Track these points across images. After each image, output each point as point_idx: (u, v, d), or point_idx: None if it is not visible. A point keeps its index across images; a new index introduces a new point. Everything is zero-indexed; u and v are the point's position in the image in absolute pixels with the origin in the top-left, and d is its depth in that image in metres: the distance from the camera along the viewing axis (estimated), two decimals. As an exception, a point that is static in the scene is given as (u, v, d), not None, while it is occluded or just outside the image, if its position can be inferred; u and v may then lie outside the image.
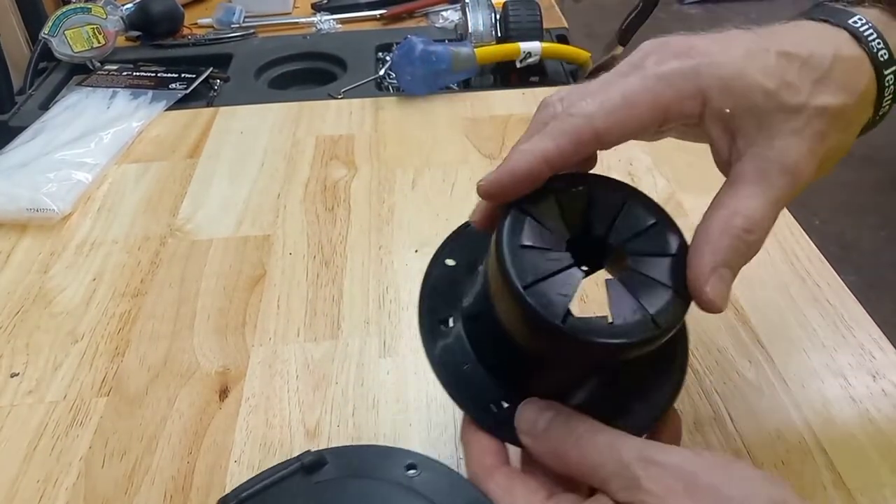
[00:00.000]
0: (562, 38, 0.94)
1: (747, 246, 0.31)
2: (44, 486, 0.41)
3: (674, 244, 0.31)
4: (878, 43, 0.33)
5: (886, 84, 0.33)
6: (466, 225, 0.37)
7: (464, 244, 0.37)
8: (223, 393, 0.46)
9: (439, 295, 0.36)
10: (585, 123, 0.31)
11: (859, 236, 1.85)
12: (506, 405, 0.33)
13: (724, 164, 0.33)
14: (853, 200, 1.96)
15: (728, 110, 0.32)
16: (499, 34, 0.82)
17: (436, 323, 0.35)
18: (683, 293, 0.30)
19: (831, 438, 0.41)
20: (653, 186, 0.62)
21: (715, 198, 0.32)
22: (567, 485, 0.31)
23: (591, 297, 0.32)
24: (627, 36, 0.83)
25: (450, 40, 0.84)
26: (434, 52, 0.75)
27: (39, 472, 0.42)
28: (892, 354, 0.46)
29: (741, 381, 0.45)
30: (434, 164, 0.67)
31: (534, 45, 0.79)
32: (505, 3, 0.83)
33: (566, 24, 0.98)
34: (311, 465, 0.32)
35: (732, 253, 0.31)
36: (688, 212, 0.59)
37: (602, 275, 0.33)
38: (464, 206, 0.62)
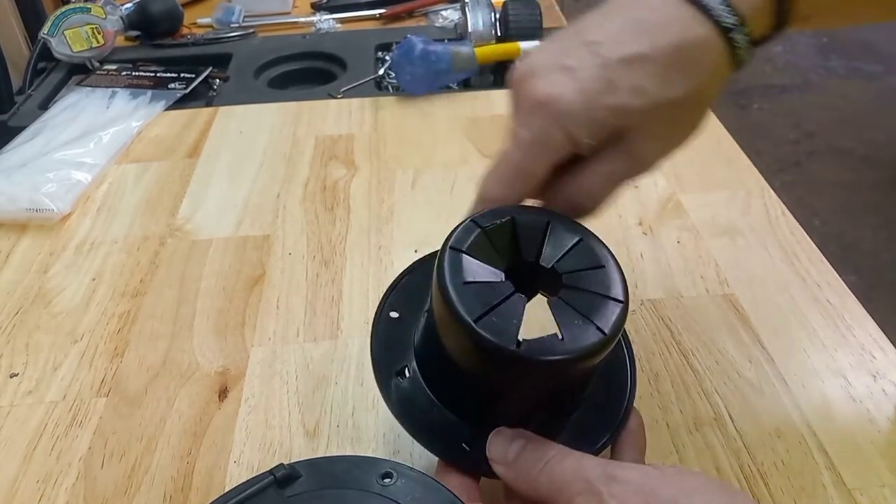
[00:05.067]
0: (562, 38, 0.94)
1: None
2: (43, 486, 0.41)
3: (601, 256, 0.34)
4: (724, 6, 0.33)
5: (737, 45, 0.33)
6: (402, 276, 0.39)
7: (403, 295, 0.39)
8: (222, 393, 0.46)
9: (390, 349, 0.37)
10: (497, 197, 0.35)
11: (859, 236, 1.85)
12: (477, 442, 0.34)
13: None
14: (853, 200, 1.96)
15: (593, 143, 0.34)
16: (499, 33, 0.82)
17: (393, 376, 0.36)
18: (620, 299, 0.32)
19: (831, 438, 0.41)
20: (653, 186, 0.62)
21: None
22: None
23: (535, 318, 0.33)
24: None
25: (449, 40, 0.84)
26: (434, 51, 0.75)
27: (39, 473, 0.42)
28: (893, 354, 0.46)
29: (741, 381, 0.45)
30: (434, 164, 0.67)
31: (534, 45, 0.79)
32: (505, 3, 0.83)
33: (566, 23, 0.98)
34: (283, 478, 0.31)
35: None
36: (688, 211, 0.59)
37: (541, 296, 0.35)
38: (463, 206, 0.62)
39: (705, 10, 0.33)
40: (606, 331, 0.31)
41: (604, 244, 0.35)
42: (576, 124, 0.33)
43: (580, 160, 0.35)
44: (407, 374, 0.36)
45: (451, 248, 0.33)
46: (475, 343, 0.31)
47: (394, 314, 0.38)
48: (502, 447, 0.33)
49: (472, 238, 0.33)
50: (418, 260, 0.40)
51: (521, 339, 0.30)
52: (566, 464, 0.31)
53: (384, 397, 0.36)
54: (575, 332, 0.31)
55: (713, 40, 0.33)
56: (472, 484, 0.34)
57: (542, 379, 0.32)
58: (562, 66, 0.34)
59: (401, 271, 0.40)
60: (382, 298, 0.39)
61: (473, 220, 0.34)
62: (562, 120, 0.33)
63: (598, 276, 0.33)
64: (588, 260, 0.34)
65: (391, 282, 0.39)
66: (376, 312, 0.38)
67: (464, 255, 0.33)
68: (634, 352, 0.39)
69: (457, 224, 0.34)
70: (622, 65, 0.33)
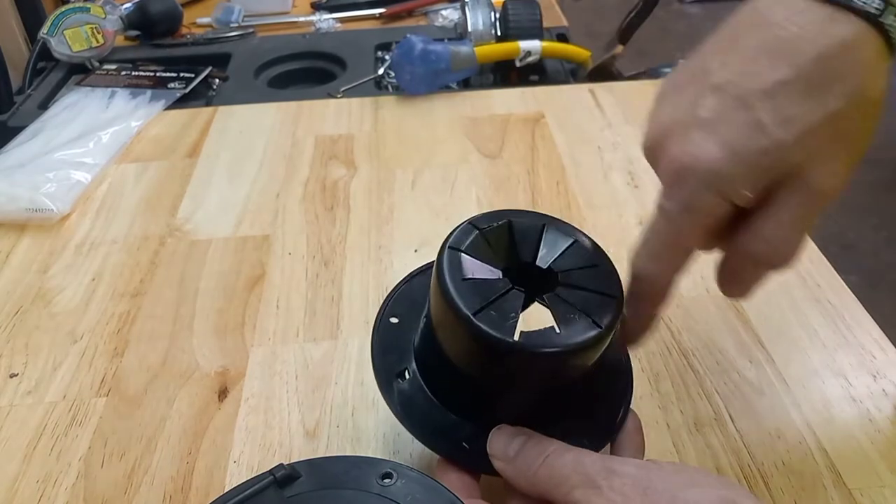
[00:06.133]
0: (562, 37, 0.94)
1: None
2: (43, 486, 0.41)
3: (594, 256, 0.35)
4: None
5: (891, 30, 0.30)
6: (401, 285, 0.40)
7: (403, 301, 0.39)
8: (222, 393, 0.46)
9: (390, 352, 0.38)
10: None
11: (859, 236, 1.84)
12: (476, 440, 0.34)
13: None
14: (853, 200, 1.96)
15: (753, 194, 0.31)
16: (498, 33, 0.82)
17: (393, 378, 0.37)
18: (614, 295, 0.33)
19: (831, 438, 0.41)
20: (653, 186, 0.62)
21: None
22: None
23: (532, 314, 0.34)
24: (627, 34, 0.83)
25: (449, 39, 0.84)
26: (433, 51, 0.75)
27: (39, 473, 0.42)
28: (893, 354, 0.46)
29: (741, 381, 0.45)
30: (434, 164, 0.67)
31: (534, 44, 0.79)
32: (504, 2, 0.83)
33: (566, 23, 0.98)
34: (283, 478, 0.31)
35: None
36: (688, 211, 0.59)
37: (538, 294, 0.35)
38: (463, 206, 0.62)
39: (844, 6, 0.29)
40: (602, 324, 0.32)
41: (597, 245, 0.36)
42: (728, 182, 0.30)
43: (754, 211, 0.32)
44: (407, 376, 0.37)
45: (449, 247, 0.34)
46: (474, 336, 0.31)
47: (393, 319, 0.39)
48: (503, 443, 0.33)
49: (469, 239, 0.34)
50: (416, 270, 0.41)
51: (519, 333, 0.31)
52: (566, 458, 0.32)
53: (385, 398, 0.36)
54: (571, 326, 0.32)
55: (861, 35, 0.29)
56: (472, 482, 0.34)
57: (540, 372, 0.33)
58: (695, 120, 0.31)
59: (400, 279, 0.40)
60: (382, 305, 0.39)
61: (471, 223, 0.35)
62: (711, 183, 0.30)
63: (593, 273, 0.34)
64: (582, 260, 0.35)
65: (391, 287, 0.40)
66: (376, 318, 0.39)
67: (462, 254, 0.34)
68: (632, 354, 0.39)
69: (455, 227, 0.35)
70: (763, 100, 0.30)
